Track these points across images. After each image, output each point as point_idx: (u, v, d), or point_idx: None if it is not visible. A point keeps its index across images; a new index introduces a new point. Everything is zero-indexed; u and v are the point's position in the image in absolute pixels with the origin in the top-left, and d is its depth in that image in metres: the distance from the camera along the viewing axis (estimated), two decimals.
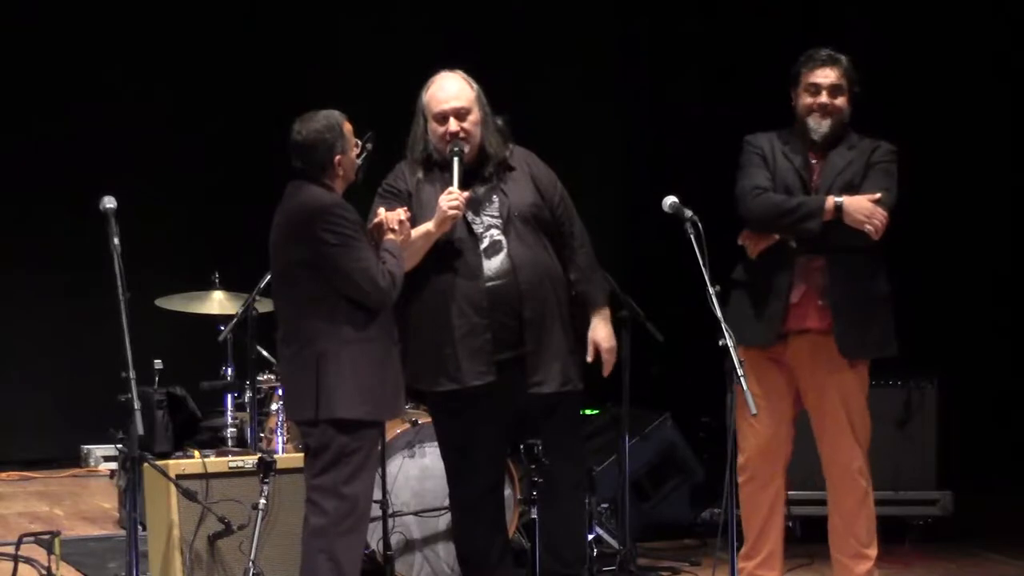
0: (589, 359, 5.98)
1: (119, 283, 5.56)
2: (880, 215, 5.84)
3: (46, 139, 10.04)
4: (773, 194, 6.01)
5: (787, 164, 6.05)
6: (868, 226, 5.84)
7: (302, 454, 6.31)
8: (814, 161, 6.04)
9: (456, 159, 5.82)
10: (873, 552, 6.05)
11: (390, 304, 5.55)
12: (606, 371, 6.04)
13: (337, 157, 5.55)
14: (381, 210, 5.73)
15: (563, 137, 9.41)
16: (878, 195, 5.89)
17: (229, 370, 7.63)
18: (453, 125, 5.86)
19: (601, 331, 5.99)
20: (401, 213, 5.67)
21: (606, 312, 6.06)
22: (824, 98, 6.03)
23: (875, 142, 6.06)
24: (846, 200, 5.88)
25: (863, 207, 5.86)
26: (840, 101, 6.04)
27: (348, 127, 5.60)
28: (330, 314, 5.45)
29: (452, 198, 5.74)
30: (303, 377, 5.49)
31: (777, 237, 6.01)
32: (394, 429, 6.55)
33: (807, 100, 6.04)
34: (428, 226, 5.77)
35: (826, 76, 6.04)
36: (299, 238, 5.49)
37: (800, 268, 5.99)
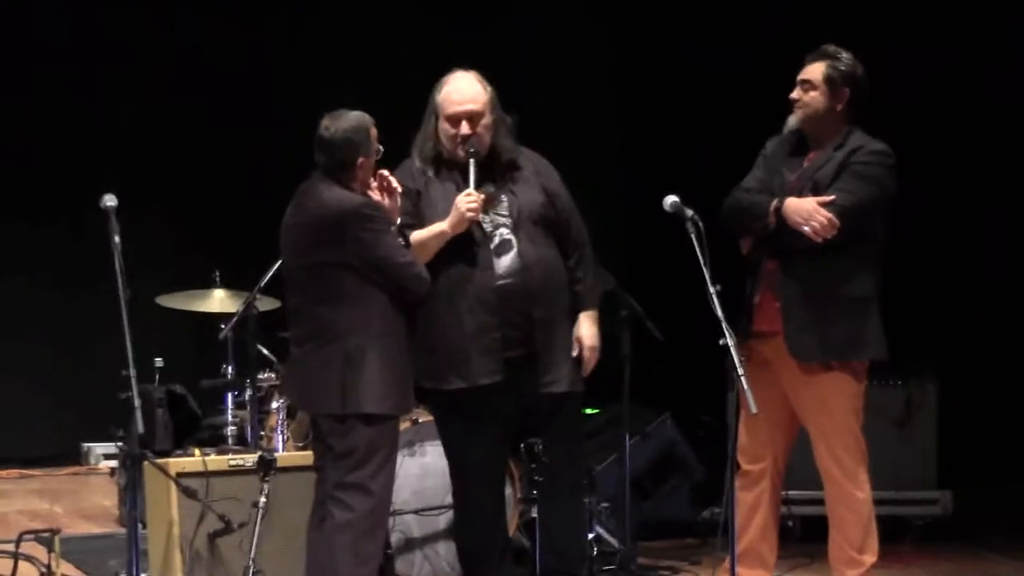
0: (573, 354, 5.98)
1: (120, 281, 5.59)
2: (821, 217, 5.74)
3: (47, 137, 10.07)
4: (741, 194, 6.02)
5: (779, 164, 6.04)
6: (806, 228, 5.77)
7: (302, 452, 6.45)
8: (807, 162, 6.00)
9: (472, 160, 5.84)
10: (868, 558, 5.97)
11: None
12: (586, 370, 6.02)
13: (360, 159, 5.59)
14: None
15: (564, 135, 9.39)
16: (830, 197, 5.80)
17: (229, 368, 7.60)
18: (465, 128, 5.88)
19: (586, 329, 6.01)
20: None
21: (594, 314, 6.07)
22: (795, 92, 6.01)
23: (866, 142, 5.95)
24: (787, 202, 5.83)
25: (801, 209, 5.79)
26: (811, 96, 5.96)
27: (374, 132, 5.63)
28: (363, 310, 5.52)
29: (471, 200, 5.77)
30: (328, 373, 5.53)
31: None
32: None
33: (791, 95, 6.04)
34: (442, 226, 5.81)
35: (804, 71, 5.99)
36: (332, 238, 5.52)
37: (763, 270, 5.98)
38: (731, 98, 9.37)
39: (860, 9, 9.33)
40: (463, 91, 5.93)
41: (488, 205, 5.86)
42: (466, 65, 6.05)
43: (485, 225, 5.87)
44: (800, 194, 5.88)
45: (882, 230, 5.97)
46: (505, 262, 5.85)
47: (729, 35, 9.91)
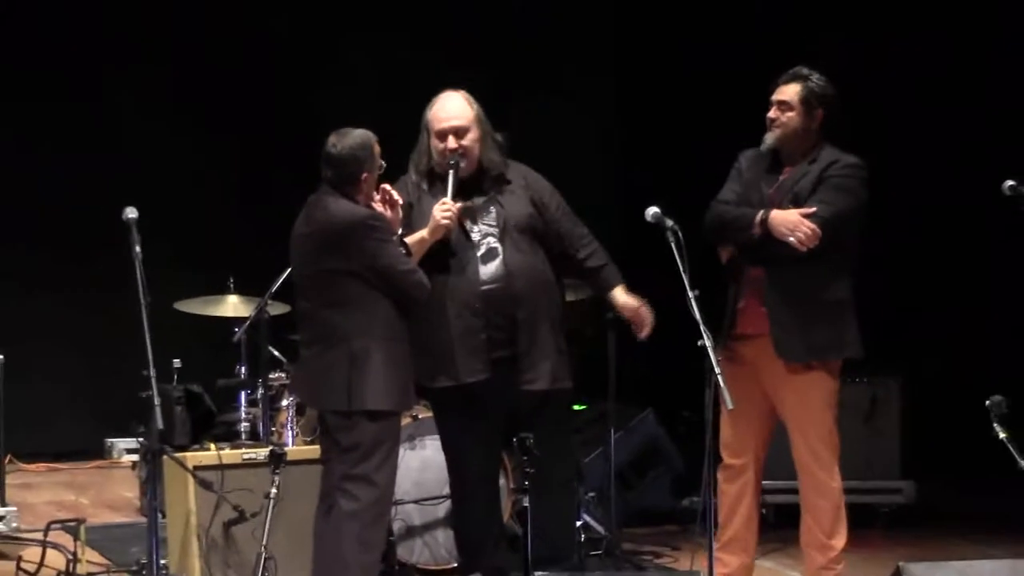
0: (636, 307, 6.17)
1: (141, 288, 5.78)
2: (805, 228, 5.89)
3: (74, 150, 10.25)
4: (723, 206, 6.15)
5: (756, 178, 6.18)
6: (791, 238, 5.91)
7: (310, 446, 6.61)
8: (783, 176, 6.14)
9: (452, 171, 6.06)
10: (838, 543, 6.09)
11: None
12: (647, 329, 6.20)
13: (365, 174, 5.78)
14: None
15: (556, 141, 9.53)
16: (812, 209, 5.93)
17: (243, 369, 7.81)
18: (452, 142, 6.09)
19: (628, 298, 6.22)
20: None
21: (624, 286, 6.29)
22: (772, 112, 6.14)
23: (839, 156, 6.07)
24: (772, 214, 5.96)
25: (787, 221, 5.93)
26: (788, 116, 6.09)
27: (377, 149, 5.83)
28: (367, 314, 5.69)
29: (444, 208, 5.98)
30: (335, 372, 5.69)
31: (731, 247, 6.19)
32: None
33: (768, 114, 6.19)
34: (422, 233, 6.02)
35: (780, 92, 6.11)
36: (339, 247, 5.69)
37: (747, 277, 6.12)
38: (730, 98, 9.13)
39: (860, 9, 9.44)
40: (449, 109, 6.14)
41: (469, 214, 6.05)
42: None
43: (473, 235, 6.07)
44: (781, 206, 6.00)
45: (855, 238, 6.10)
46: (491, 269, 6.05)
47: (729, 35, 9.99)
